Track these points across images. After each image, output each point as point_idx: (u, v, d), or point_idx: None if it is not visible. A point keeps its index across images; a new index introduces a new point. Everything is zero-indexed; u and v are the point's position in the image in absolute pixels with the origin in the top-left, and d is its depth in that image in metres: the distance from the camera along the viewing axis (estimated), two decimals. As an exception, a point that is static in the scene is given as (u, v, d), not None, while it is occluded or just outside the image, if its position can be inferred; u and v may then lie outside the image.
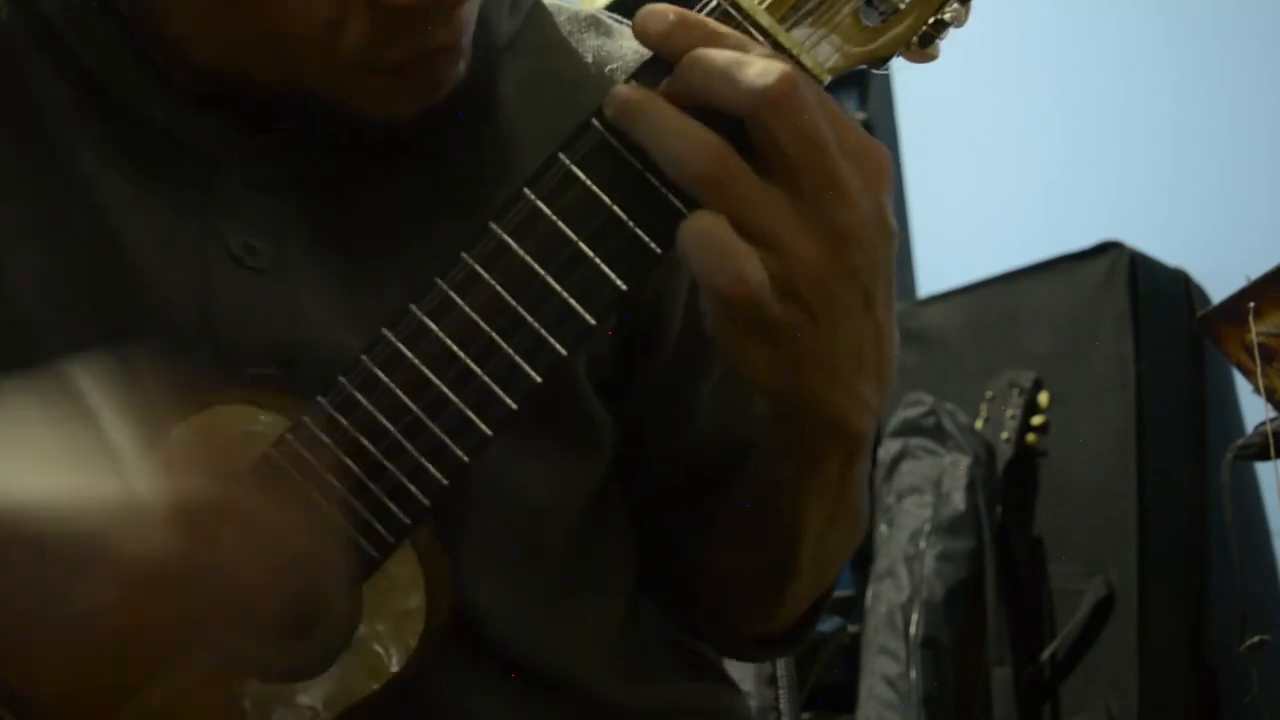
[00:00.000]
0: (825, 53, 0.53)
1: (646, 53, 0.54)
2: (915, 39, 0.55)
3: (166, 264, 0.62)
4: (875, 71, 0.56)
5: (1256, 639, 1.19)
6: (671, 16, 0.51)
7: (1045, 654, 1.88)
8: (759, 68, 0.49)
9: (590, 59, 0.71)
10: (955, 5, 0.54)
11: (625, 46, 0.72)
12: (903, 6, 0.54)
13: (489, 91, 0.67)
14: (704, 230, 0.50)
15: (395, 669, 0.58)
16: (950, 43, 0.56)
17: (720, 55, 0.50)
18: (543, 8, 0.73)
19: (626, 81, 0.53)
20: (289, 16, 0.56)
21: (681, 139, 0.50)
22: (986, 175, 2.46)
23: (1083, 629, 1.83)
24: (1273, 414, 1.21)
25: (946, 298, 2.23)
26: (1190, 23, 2.10)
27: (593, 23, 0.73)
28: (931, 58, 0.56)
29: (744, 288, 0.49)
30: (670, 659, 0.75)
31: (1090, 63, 2.26)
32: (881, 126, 2.71)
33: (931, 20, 0.54)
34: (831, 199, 0.50)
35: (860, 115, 2.72)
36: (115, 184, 0.63)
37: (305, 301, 0.63)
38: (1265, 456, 1.23)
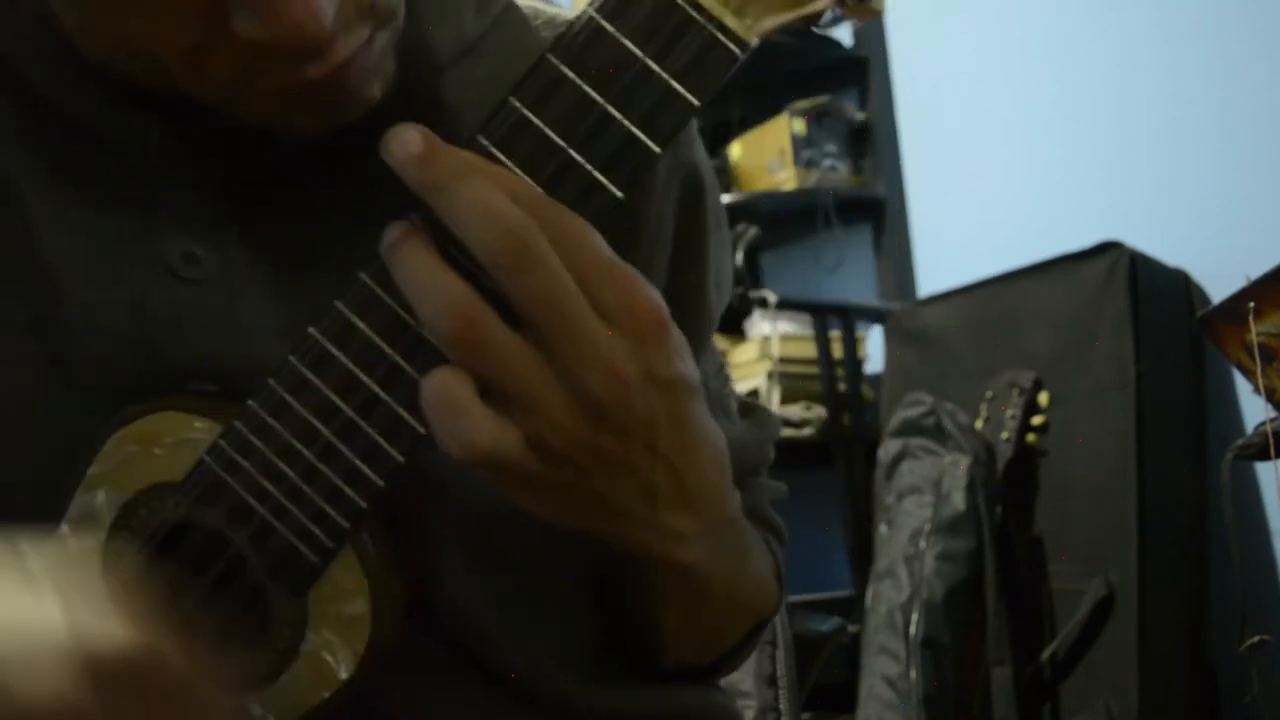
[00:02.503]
0: (753, 15, 0.49)
1: None
2: None
3: (99, 279, 0.60)
4: (822, 31, 0.52)
5: (1256, 639, 1.18)
6: (414, 148, 0.48)
7: (1045, 654, 1.88)
8: (499, 218, 0.47)
9: None
10: None
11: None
12: None
13: (436, 99, 0.64)
14: (438, 391, 0.48)
15: (344, 676, 0.57)
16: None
17: (464, 201, 0.47)
18: (515, 9, 0.70)
19: (475, 134, 0.50)
20: (154, 38, 0.54)
21: (431, 298, 0.48)
22: (986, 175, 2.46)
23: (1083, 629, 1.84)
24: (1273, 414, 1.21)
25: (946, 298, 2.23)
26: (1190, 22, 2.10)
27: (559, 23, 0.70)
28: (875, 13, 0.52)
29: (472, 454, 0.48)
30: (653, 665, 0.75)
31: (1090, 63, 2.26)
32: (881, 126, 2.72)
33: None
34: (584, 365, 0.48)
35: (860, 115, 2.72)
36: (45, 196, 0.60)
37: (245, 312, 0.60)
38: (1265, 456, 1.23)
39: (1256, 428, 1.25)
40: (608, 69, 0.49)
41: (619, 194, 0.50)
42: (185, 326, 0.60)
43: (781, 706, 0.98)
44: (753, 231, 2.52)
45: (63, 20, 0.58)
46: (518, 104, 0.50)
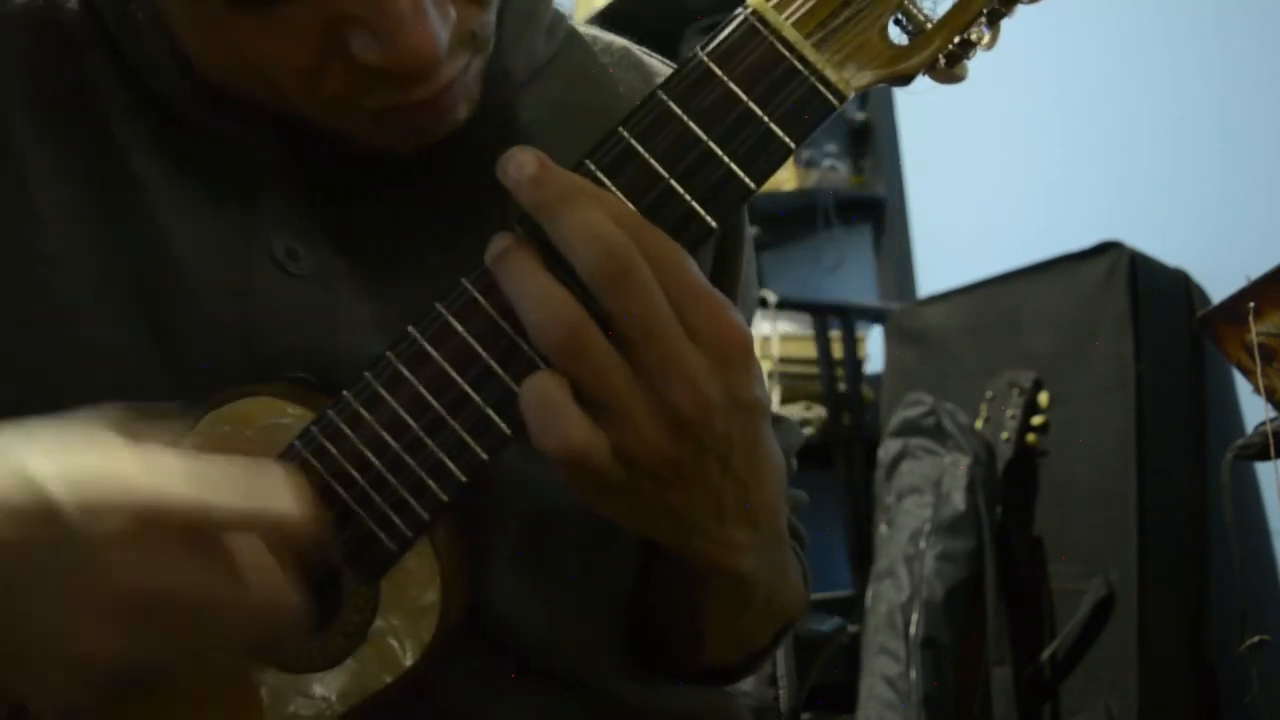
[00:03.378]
0: (851, 70, 0.53)
1: None
2: (942, 59, 0.55)
3: (209, 264, 0.63)
4: (914, 92, 0.57)
5: (1256, 639, 1.19)
6: (529, 170, 0.51)
7: (1045, 654, 1.88)
8: (604, 240, 0.50)
9: (622, 91, 0.72)
10: (982, 27, 0.55)
11: (656, 84, 0.73)
12: (930, 27, 0.55)
13: (515, 114, 0.68)
14: (539, 392, 0.51)
15: (409, 663, 0.58)
16: (1001, 36, 0.57)
17: (571, 222, 0.50)
18: (578, 36, 0.74)
19: (583, 159, 0.53)
20: (271, 59, 0.57)
21: (540, 307, 0.51)
22: (986, 175, 2.46)
23: (1083, 629, 1.83)
24: (1273, 414, 1.21)
25: (946, 298, 2.22)
26: (1190, 23, 2.10)
27: (625, 55, 0.75)
28: (958, 79, 0.56)
29: (568, 452, 0.51)
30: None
31: (1090, 63, 2.26)
32: (881, 126, 2.72)
33: (958, 40, 0.55)
34: (671, 382, 0.51)
35: (860, 115, 2.72)
36: (162, 184, 0.64)
37: (343, 310, 0.64)
38: (1265, 456, 1.23)
39: (1256, 428, 1.25)
40: (713, 109, 0.53)
41: (714, 224, 0.53)
42: (287, 316, 0.63)
43: (781, 707, 0.99)
44: (753, 231, 2.52)
45: (183, 41, 0.61)
46: (626, 134, 0.53)
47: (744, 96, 0.53)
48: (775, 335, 2.49)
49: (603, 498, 0.54)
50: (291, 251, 0.63)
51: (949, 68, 0.56)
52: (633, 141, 0.53)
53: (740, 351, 0.52)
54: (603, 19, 2.87)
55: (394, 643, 0.59)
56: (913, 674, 1.89)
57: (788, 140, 0.53)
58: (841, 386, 2.45)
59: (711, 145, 0.53)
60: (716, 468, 0.53)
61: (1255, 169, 1.98)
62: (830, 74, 0.53)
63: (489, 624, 0.65)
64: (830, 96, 0.53)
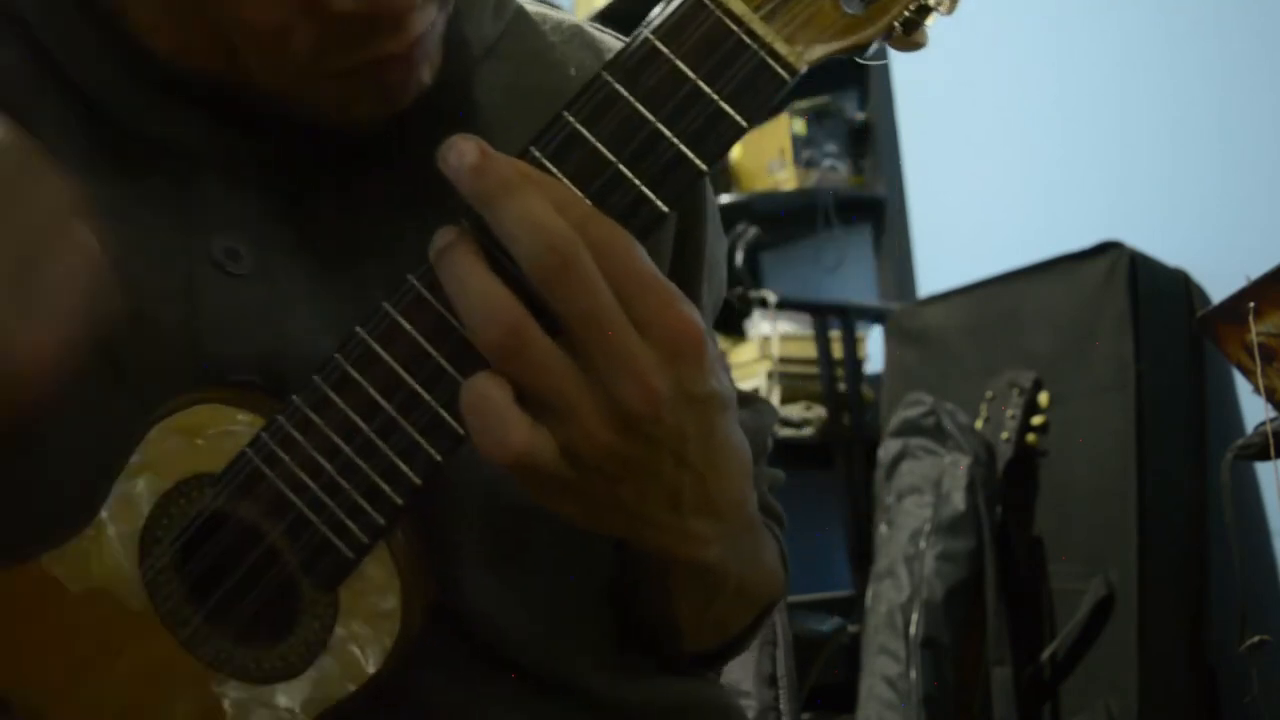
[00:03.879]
0: (803, 42, 0.51)
1: None
2: (899, 26, 0.52)
3: (151, 270, 0.61)
4: (869, 62, 0.54)
5: (1256, 639, 1.19)
6: (469, 159, 0.49)
7: (1045, 654, 1.88)
8: (545, 234, 0.48)
9: (574, 71, 0.70)
10: None
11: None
12: None
13: (468, 95, 0.67)
14: (477, 395, 0.50)
15: (372, 670, 0.58)
16: (950, 42, 0.56)
17: (512, 213, 0.49)
18: (526, 16, 0.72)
19: (528, 146, 0.51)
20: (239, 18, 0.56)
21: (476, 306, 0.50)
22: (986, 175, 2.46)
23: (1083, 629, 1.83)
24: (1273, 414, 1.21)
25: (946, 298, 2.22)
26: (1190, 22, 2.10)
27: (576, 34, 0.73)
28: (918, 45, 0.53)
29: (508, 456, 0.49)
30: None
31: (1090, 63, 2.26)
32: (881, 126, 2.72)
33: (915, 6, 0.52)
34: (618, 378, 0.49)
35: (860, 115, 2.72)
36: (101, 191, 0.62)
37: (288, 308, 0.62)
38: (1265, 456, 1.23)
39: (1256, 428, 1.25)
40: (660, 89, 0.51)
41: (665, 209, 0.51)
42: (231, 320, 0.61)
43: (781, 706, 0.99)
44: (753, 231, 2.52)
45: (135, 19, 0.60)
46: (570, 118, 0.51)
47: (691, 74, 0.51)
48: (775, 335, 2.49)
49: (553, 496, 0.53)
50: (231, 251, 0.62)
51: (907, 34, 0.53)
52: (578, 126, 0.51)
53: (691, 344, 0.50)
54: (603, 19, 2.87)
55: (356, 650, 0.58)
56: (913, 674, 1.89)
57: (739, 118, 0.51)
58: (841, 386, 2.45)
59: (659, 126, 0.51)
60: (671, 462, 0.52)
61: (1255, 169, 1.98)
62: (780, 47, 0.50)
63: (467, 625, 0.64)
64: (781, 71, 0.50)
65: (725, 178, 2.72)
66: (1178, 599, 1.82)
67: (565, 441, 0.50)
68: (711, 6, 0.50)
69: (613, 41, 0.74)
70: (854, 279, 2.74)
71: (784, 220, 2.68)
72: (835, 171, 2.68)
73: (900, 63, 2.71)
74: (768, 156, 2.67)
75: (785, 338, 2.50)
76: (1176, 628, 1.81)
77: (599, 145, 0.51)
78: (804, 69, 0.51)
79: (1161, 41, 2.15)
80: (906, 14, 0.52)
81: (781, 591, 0.73)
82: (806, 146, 2.64)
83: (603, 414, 0.50)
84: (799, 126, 2.63)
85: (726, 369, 0.54)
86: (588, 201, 0.50)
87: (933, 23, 0.53)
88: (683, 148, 0.51)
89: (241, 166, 0.63)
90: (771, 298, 2.45)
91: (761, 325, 2.51)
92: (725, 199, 2.62)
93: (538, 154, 0.51)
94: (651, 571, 0.64)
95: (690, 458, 0.52)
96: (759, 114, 0.51)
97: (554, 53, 0.71)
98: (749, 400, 0.79)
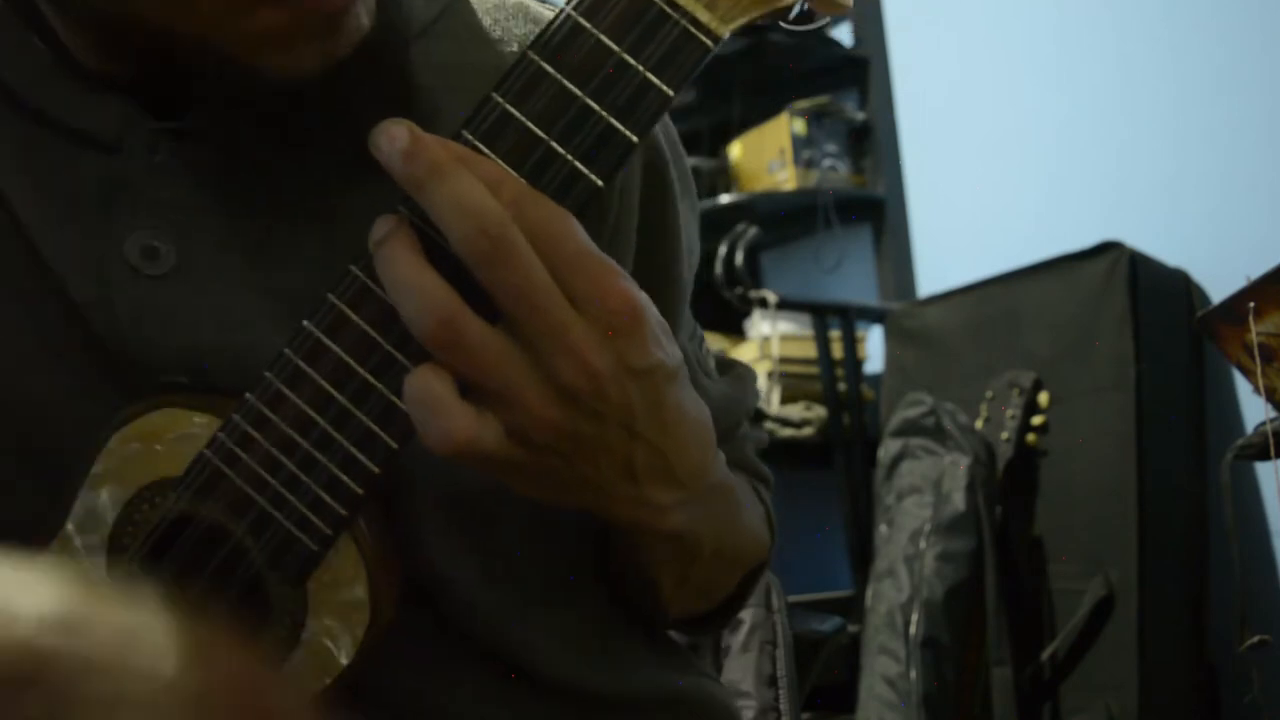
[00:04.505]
0: (723, 8, 0.51)
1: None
2: None
3: (76, 276, 0.61)
4: (795, 28, 0.54)
5: (1256, 639, 1.19)
6: (400, 143, 0.50)
7: (1045, 654, 1.88)
8: (476, 216, 0.48)
9: (515, 48, 0.69)
10: None
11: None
12: None
13: (403, 72, 0.66)
14: (418, 389, 0.50)
15: (345, 661, 0.58)
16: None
17: (443, 197, 0.49)
18: None
19: (460, 129, 0.51)
20: None
21: (413, 297, 0.50)
22: (986, 175, 2.46)
23: (1083, 629, 1.84)
24: (1273, 414, 1.21)
25: (946, 298, 2.23)
26: (1190, 23, 2.10)
27: (520, 10, 0.72)
28: (843, 8, 0.53)
29: (454, 447, 0.50)
30: (656, 653, 0.75)
31: (1090, 63, 2.26)
32: (881, 127, 2.72)
33: None
34: (556, 357, 0.50)
35: (860, 115, 2.72)
36: (25, 198, 0.62)
37: (211, 301, 0.61)
38: (1265, 456, 1.23)
39: (1256, 428, 1.25)
40: (585, 64, 0.51)
41: (599, 182, 0.52)
42: (150, 322, 0.60)
43: (781, 706, 0.98)
44: (753, 231, 2.52)
45: None
46: (500, 99, 0.52)
47: (615, 47, 0.51)
48: (775, 335, 2.49)
49: (509, 477, 0.53)
50: (149, 250, 0.61)
51: None
52: (507, 106, 0.51)
53: (628, 317, 0.50)
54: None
55: (328, 643, 0.58)
56: (913, 674, 1.89)
57: (665, 88, 0.51)
58: (841, 386, 2.45)
59: (588, 101, 0.51)
60: (622, 434, 0.52)
61: (1255, 169, 1.98)
62: (702, 15, 0.51)
63: (438, 610, 0.64)
64: (705, 39, 0.51)
65: (725, 178, 2.72)
66: (1178, 599, 1.82)
67: (511, 425, 0.51)
68: None
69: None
70: (854, 279, 2.74)
71: (784, 220, 2.68)
72: (835, 171, 2.68)
73: (900, 63, 2.71)
74: (768, 156, 2.67)
75: (785, 338, 2.50)
76: (1176, 628, 1.81)
77: (529, 123, 0.51)
78: (726, 35, 0.51)
79: (1161, 42, 2.15)
80: None
81: (766, 552, 0.73)
82: (806, 146, 2.64)
83: (546, 394, 0.50)
84: (799, 126, 2.63)
85: (672, 338, 0.54)
86: (521, 180, 0.51)
87: None
88: (612, 120, 0.51)
89: (162, 152, 0.62)
90: (771, 298, 2.45)
91: (761, 325, 2.51)
92: (725, 199, 2.62)
93: (469, 136, 0.52)
94: (625, 541, 0.64)
95: (640, 429, 0.53)
96: (684, 82, 0.51)
97: (495, 30, 0.70)
98: (729, 366, 0.80)
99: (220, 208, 0.63)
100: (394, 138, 0.50)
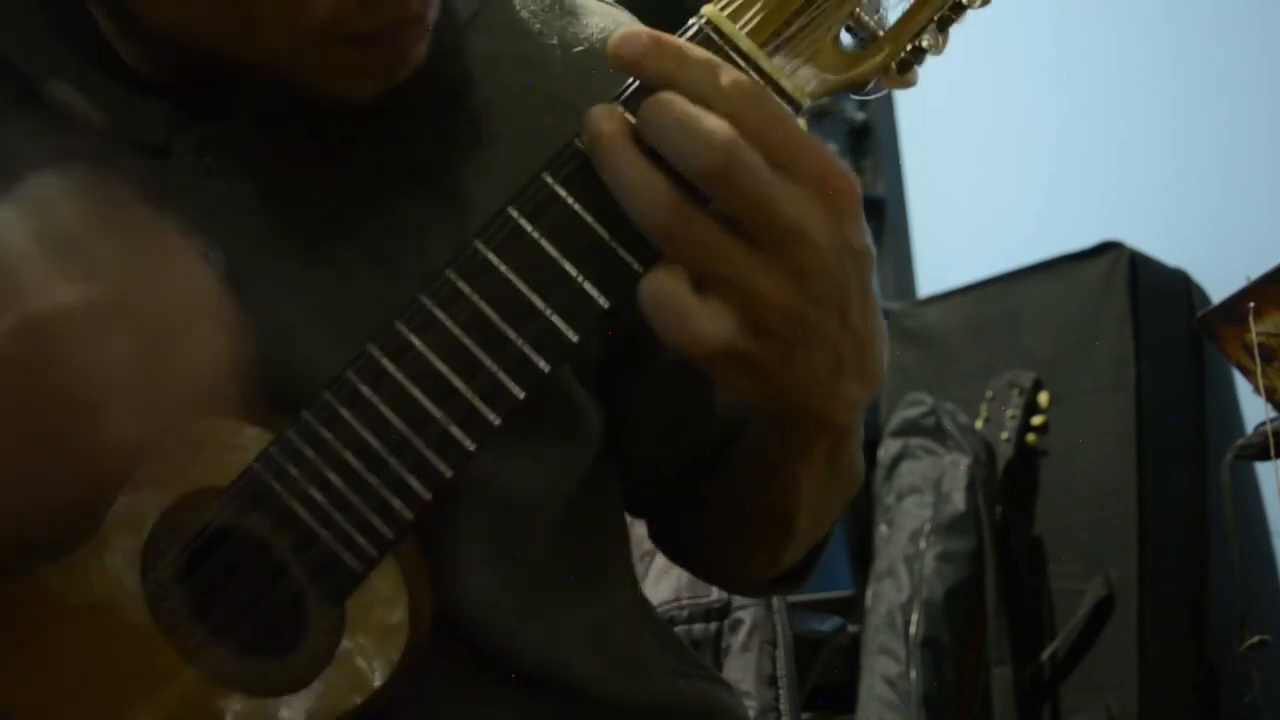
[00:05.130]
0: (805, 78, 0.53)
1: (608, 29, 0.53)
2: (894, 65, 0.56)
3: None
4: (866, 98, 0.57)
5: (1256, 639, 1.19)
6: (644, 41, 0.51)
7: (1045, 654, 1.88)
8: (704, 135, 0.49)
9: (555, 41, 0.70)
10: (933, 34, 0.55)
11: (592, 26, 0.71)
12: (881, 34, 0.55)
13: (451, 70, 0.67)
14: (659, 291, 0.50)
15: (378, 683, 0.58)
16: (951, 42, 0.57)
17: (672, 112, 0.50)
18: None
19: (540, 173, 0.52)
20: None
21: (642, 193, 0.50)
22: (986, 175, 2.46)
23: (1083, 629, 1.83)
24: (1273, 414, 1.21)
25: (946, 298, 2.22)
26: (1190, 23, 2.10)
27: (555, 2, 0.72)
28: (909, 84, 0.57)
29: (700, 346, 0.50)
30: (666, 658, 0.75)
31: (1090, 63, 2.26)
32: (881, 127, 2.72)
33: (909, 48, 0.55)
34: (789, 243, 0.50)
35: (860, 115, 2.72)
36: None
37: (261, 308, 0.62)
38: (1265, 456, 1.23)
39: (1256, 428, 1.25)
40: None
41: None
42: None
43: (781, 706, 0.98)
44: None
45: None
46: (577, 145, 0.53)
47: None
48: (775, 335, 2.48)
49: (732, 374, 0.53)
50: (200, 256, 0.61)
51: (901, 74, 0.56)
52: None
53: (850, 199, 0.51)
54: None
55: (362, 663, 0.58)
56: (913, 674, 1.89)
57: None
58: (841, 386, 2.44)
59: None
60: (836, 322, 0.53)
61: (1255, 169, 1.98)
62: (785, 83, 0.52)
63: (462, 625, 0.64)
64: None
65: (725, 178, 2.72)
66: (1178, 599, 1.82)
67: (743, 312, 0.51)
68: (720, 43, 0.52)
69: (594, 4, 0.74)
70: (854, 279, 2.73)
71: (784, 220, 2.68)
72: (835, 171, 2.68)
73: (900, 63, 2.71)
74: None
75: (785, 338, 2.50)
76: (1176, 628, 1.81)
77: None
78: (807, 104, 0.53)
79: (1161, 42, 2.15)
80: (902, 55, 0.55)
81: (860, 480, 0.73)
82: (806, 146, 2.64)
83: (776, 277, 0.50)
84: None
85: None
86: (740, 76, 0.51)
87: (925, 63, 0.57)
88: None
89: (210, 154, 0.63)
90: (771, 298, 2.44)
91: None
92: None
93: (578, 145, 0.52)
94: (786, 455, 0.63)
95: (852, 318, 0.53)
96: None
97: (534, 23, 0.71)
98: None
99: (268, 212, 0.63)
100: (635, 40, 0.50)
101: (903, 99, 2.71)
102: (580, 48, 0.70)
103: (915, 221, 2.71)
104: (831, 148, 2.68)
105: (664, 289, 0.50)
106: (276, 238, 0.63)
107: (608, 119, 0.51)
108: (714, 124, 0.49)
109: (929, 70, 0.58)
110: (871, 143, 2.72)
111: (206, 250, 0.61)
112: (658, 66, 0.50)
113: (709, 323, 0.50)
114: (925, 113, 2.66)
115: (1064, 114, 2.31)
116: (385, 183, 0.65)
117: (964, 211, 2.54)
